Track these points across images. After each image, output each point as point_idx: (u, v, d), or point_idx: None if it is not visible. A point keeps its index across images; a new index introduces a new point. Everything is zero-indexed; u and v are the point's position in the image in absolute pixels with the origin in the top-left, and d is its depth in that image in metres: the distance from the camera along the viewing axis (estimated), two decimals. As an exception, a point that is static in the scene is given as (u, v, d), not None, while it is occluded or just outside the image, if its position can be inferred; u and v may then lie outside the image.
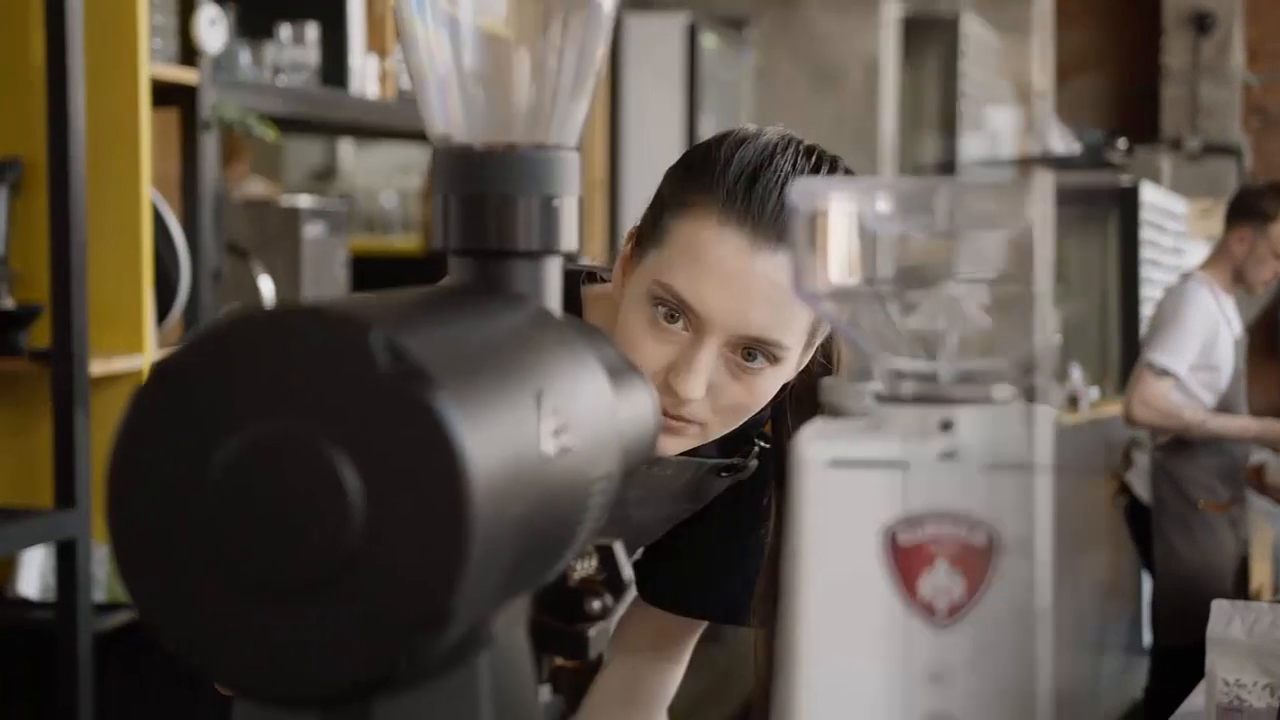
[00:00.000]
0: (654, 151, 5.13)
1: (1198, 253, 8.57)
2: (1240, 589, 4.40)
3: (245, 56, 3.04)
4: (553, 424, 0.72)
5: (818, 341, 1.33)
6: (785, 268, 1.22)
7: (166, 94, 2.69)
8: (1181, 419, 4.32)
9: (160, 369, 0.65)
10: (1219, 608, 2.00)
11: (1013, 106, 5.34)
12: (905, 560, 0.71)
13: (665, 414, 1.26)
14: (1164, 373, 4.26)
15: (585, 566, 0.93)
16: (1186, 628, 4.41)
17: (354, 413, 0.63)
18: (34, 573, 2.60)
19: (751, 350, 1.25)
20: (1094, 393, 6.36)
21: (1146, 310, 7.28)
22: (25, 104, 2.48)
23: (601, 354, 0.87)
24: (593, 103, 0.89)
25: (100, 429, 2.44)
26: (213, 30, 2.71)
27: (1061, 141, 5.79)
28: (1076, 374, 6.46)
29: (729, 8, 4.58)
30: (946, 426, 0.72)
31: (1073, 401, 6.02)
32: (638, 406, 0.89)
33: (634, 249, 1.30)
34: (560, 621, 0.88)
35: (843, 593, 0.71)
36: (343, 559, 0.63)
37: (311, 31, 3.12)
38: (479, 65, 0.85)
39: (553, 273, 0.85)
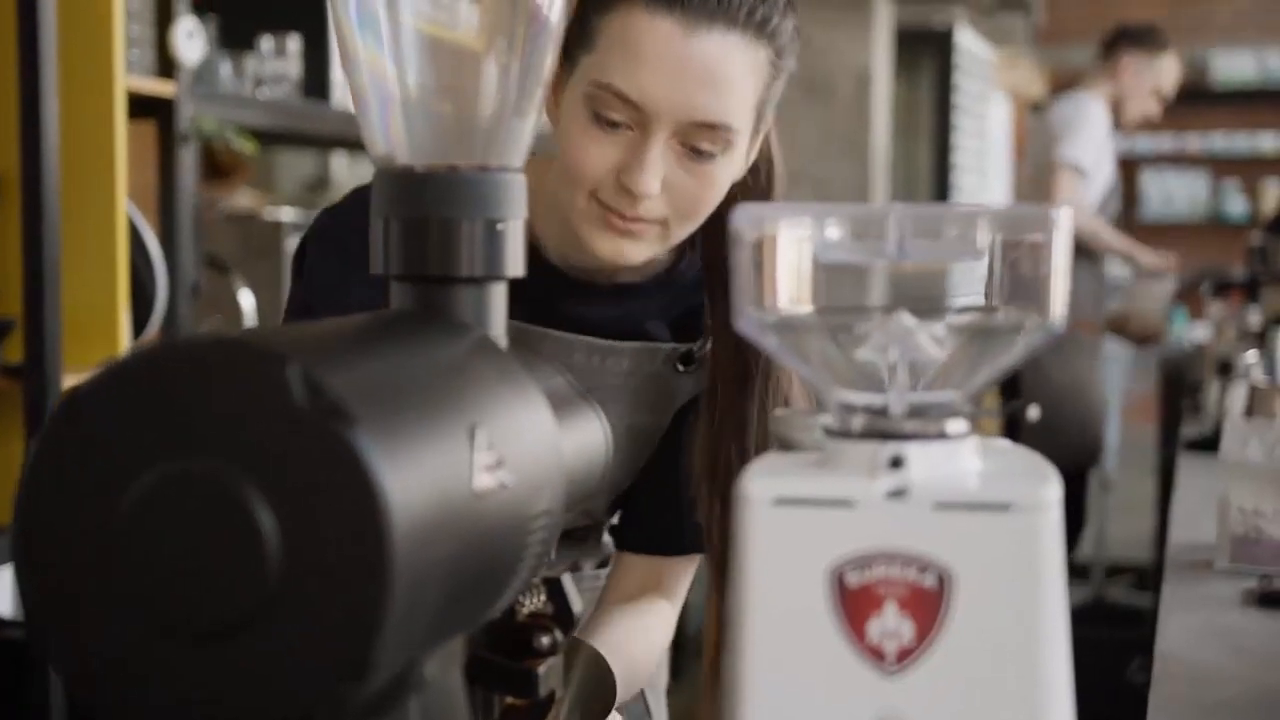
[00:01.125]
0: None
1: (1001, 103, 8.74)
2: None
3: (226, 68, 3.01)
4: (487, 459, 0.69)
5: (764, 128, 1.31)
6: (723, 46, 1.21)
7: (144, 106, 2.66)
8: (1095, 226, 4.40)
9: (72, 398, 0.62)
10: (1233, 428, 1.89)
11: None
12: (853, 602, 0.68)
13: (622, 216, 1.24)
14: (1078, 169, 4.33)
15: (533, 601, 0.90)
16: (1054, 453, 4.48)
17: (270, 449, 0.60)
18: (7, 590, 2.57)
19: (699, 143, 1.23)
20: None
21: (958, 157, 7.43)
22: (-2, 115, 2.46)
23: (548, 383, 0.84)
24: (539, 121, 0.86)
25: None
26: (191, 42, 2.68)
27: None
28: None
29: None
30: (896, 463, 0.69)
31: None
32: (585, 435, 0.87)
33: (561, 64, 1.27)
34: (508, 659, 0.85)
35: (788, 635, 0.69)
36: (258, 602, 0.60)
37: (293, 43, 3.09)
38: (421, 85, 0.82)
39: (497, 298, 0.82)
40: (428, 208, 0.80)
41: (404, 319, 0.77)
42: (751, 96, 1.24)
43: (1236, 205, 10.15)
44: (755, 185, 1.34)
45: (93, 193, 2.50)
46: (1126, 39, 4.53)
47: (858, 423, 0.71)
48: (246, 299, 3.01)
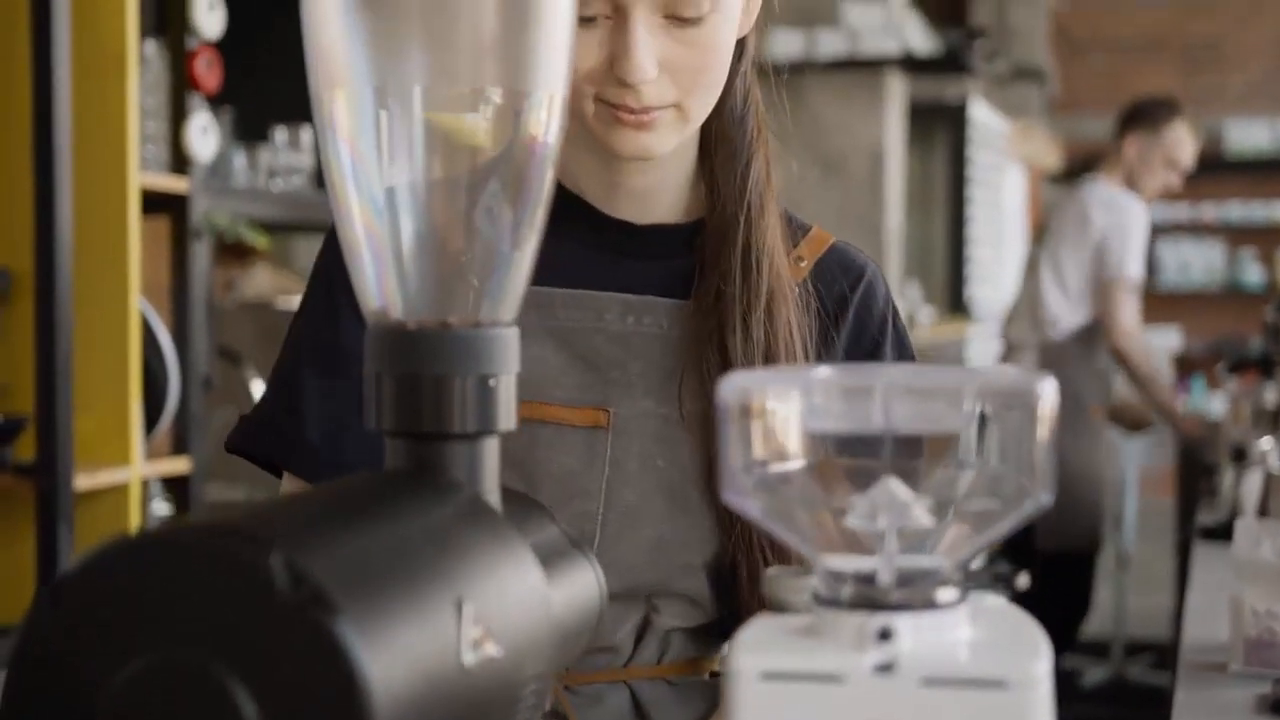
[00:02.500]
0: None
1: (1015, 174, 8.78)
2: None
3: (240, 160, 3.03)
4: (475, 633, 0.69)
5: None
6: None
7: (157, 202, 2.68)
8: (1149, 365, 4.42)
9: (56, 586, 0.62)
10: (1244, 526, 1.86)
11: (869, 3, 5.34)
12: (841, 780, 0.67)
13: (631, 111, 1.17)
14: (1137, 285, 4.36)
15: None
16: (1066, 533, 4.52)
17: (253, 639, 0.60)
18: None
19: (683, 10, 1.15)
20: (930, 313, 6.40)
21: (973, 230, 7.45)
22: (12, 213, 2.47)
23: (539, 537, 0.84)
24: (530, 273, 0.86)
25: (85, 545, 2.41)
26: (204, 138, 2.70)
27: (920, 39, 5.81)
28: (915, 292, 6.47)
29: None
30: (885, 635, 0.69)
31: (910, 322, 6.07)
32: (577, 588, 0.86)
33: None
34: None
35: (777, 810, 0.68)
36: (241, 792, 0.60)
37: (306, 135, 3.12)
38: (415, 239, 0.82)
39: (490, 454, 0.82)
40: (420, 364, 0.81)
41: (393, 482, 0.77)
42: None
43: (1253, 274, 10.15)
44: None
45: (106, 290, 2.51)
46: (1129, 118, 4.57)
47: (846, 591, 0.71)
48: (259, 389, 3.02)
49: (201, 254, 2.73)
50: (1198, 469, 4.58)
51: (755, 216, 1.26)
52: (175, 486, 2.79)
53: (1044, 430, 0.70)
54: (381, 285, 0.83)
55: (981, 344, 7.60)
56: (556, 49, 0.82)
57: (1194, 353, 10.22)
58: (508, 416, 0.83)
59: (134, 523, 2.55)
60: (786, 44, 5.39)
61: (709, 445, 1.22)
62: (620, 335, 1.25)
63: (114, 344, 2.51)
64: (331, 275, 1.27)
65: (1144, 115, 4.51)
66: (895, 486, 0.71)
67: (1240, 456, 3.35)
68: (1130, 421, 4.86)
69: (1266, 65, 10.08)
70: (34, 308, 2.41)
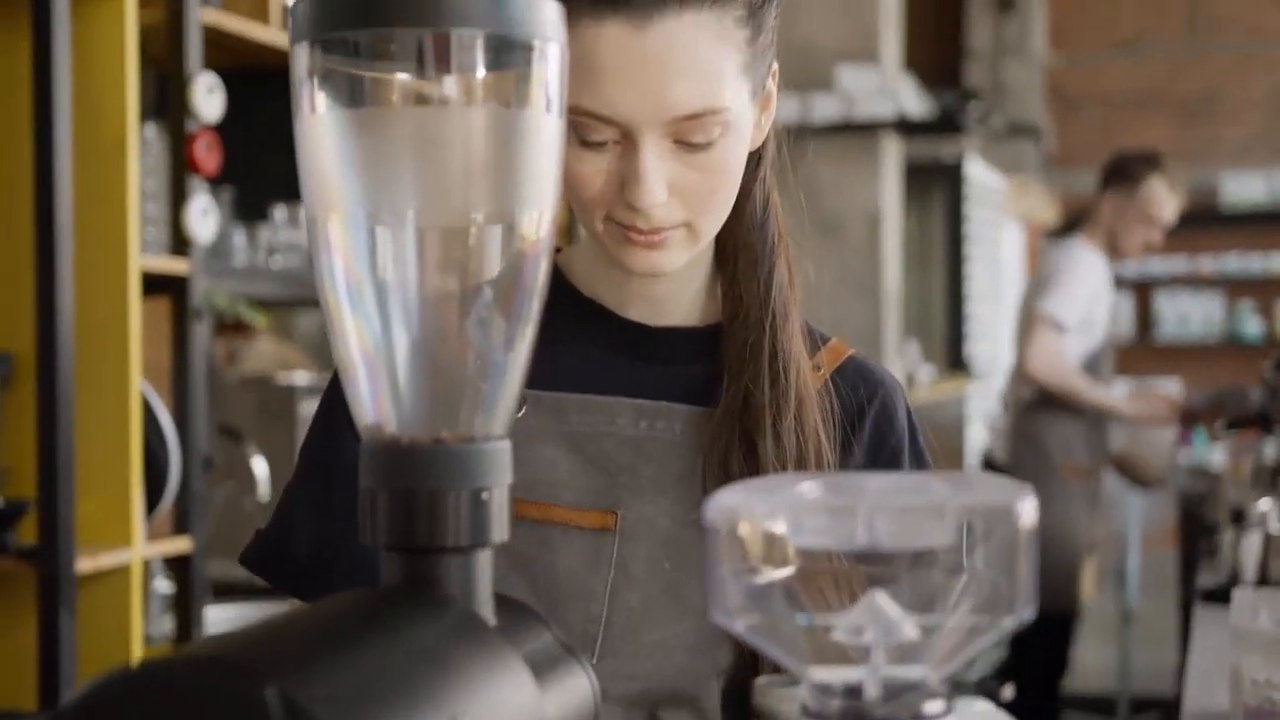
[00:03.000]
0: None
1: (1013, 230, 8.81)
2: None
3: (240, 237, 3.06)
4: (468, 752, 0.70)
5: (770, 84, 1.24)
6: (679, 31, 1.13)
7: (158, 282, 2.71)
8: (1071, 382, 4.40)
9: (56, 718, 0.63)
10: (1242, 596, 1.86)
11: (864, 68, 5.38)
12: None
13: (640, 232, 1.17)
14: (1057, 325, 4.34)
15: None
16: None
17: (249, 772, 0.61)
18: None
19: (692, 136, 1.14)
20: (930, 371, 6.41)
21: (971, 287, 7.47)
22: (14, 297, 2.50)
23: (533, 646, 0.85)
24: (523, 385, 0.88)
25: (86, 628, 2.42)
26: (204, 220, 2.73)
27: (915, 102, 5.84)
28: (914, 351, 6.49)
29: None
30: (872, 750, 0.70)
31: (910, 381, 6.07)
32: (571, 697, 0.87)
33: None
34: None
35: None
36: None
37: (305, 212, 3.14)
38: (407, 357, 0.84)
39: (483, 565, 0.84)
40: (414, 480, 0.82)
41: (387, 599, 0.78)
42: (732, 66, 1.16)
43: (1252, 326, 10.18)
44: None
45: (107, 372, 2.53)
46: (1106, 176, 4.60)
47: (834, 705, 0.72)
48: (260, 466, 3.03)
49: (202, 334, 2.75)
50: (1198, 526, 4.58)
51: (780, 322, 1.26)
52: (177, 565, 2.80)
53: (1025, 545, 0.71)
54: (375, 401, 0.85)
55: (980, 401, 7.62)
56: (545, 169, 0.84)
57: (1194, 405, 10.23)
58: (500, 528, 0.84)
59: (135, 605, 2.56)
60: (782, 109, 5.41)
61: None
62: (632, 439, 1.26)
63: (115, 426, 2.53)
64: (333, 398, 1.29)
65: (1119, 172, 4.54)
66: (881, 600, 0.72)
67: (1239, 518, 3.36)
68: (1134, 474, 4.86)
69: (1261, 118, 10.14)
70: (35, 391, 2.43)
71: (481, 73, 0.81)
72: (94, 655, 2.49)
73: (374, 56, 0.82)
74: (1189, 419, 4.86)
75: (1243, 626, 1.89)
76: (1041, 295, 4.42)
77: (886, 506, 0.72)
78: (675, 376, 1.29)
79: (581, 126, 1.15)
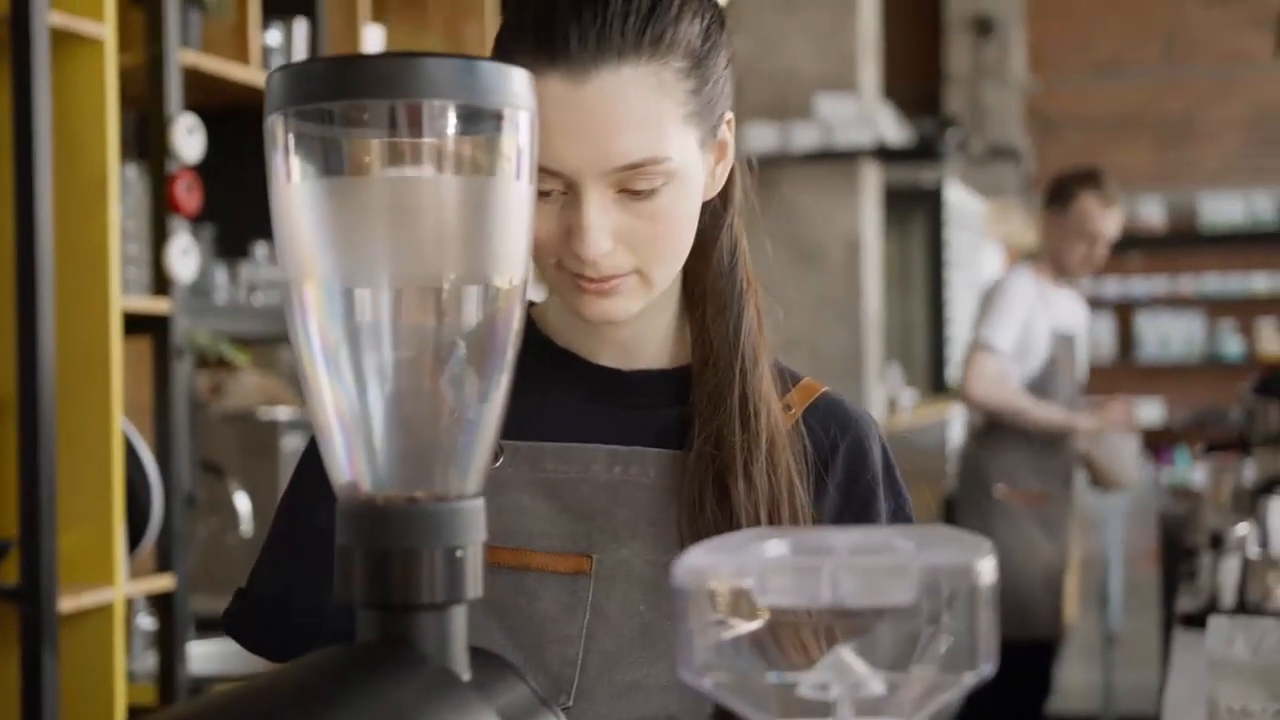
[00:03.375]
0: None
1: (993, 253, 8.86)
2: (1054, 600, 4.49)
3: (221, 275, 3.07)
4: (443, 811, 0.72)
5: (720, 134, 1.24)
6: (617, 83, 1.14)
7: (139, 322, 2.72)
8: (1014, 402, 4.42)
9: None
10: (1217, 625, 1.86)
11: (843, 96, 5.41)
12: None
13: (590, 280, 1.18)
14: (991, 349, 4.37)
15: None
16: (1006, 629, 4.41)
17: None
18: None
19: (635, 185, 1.15)
20: (912, 395, 6.45)
21: (952, 310, 7.50)
22: (-5, 338, 2.51)
23: (507, 699, 0.87)
24: (498, 439, 0.90)
25: (69, 668, 2.42)
26: (185, 259, 2.74)
27: (893, 130, 5.87)
28: (896, 375, 6.51)
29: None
30: (838, 810, 0.71)
31: (892, 405, 6.08)
32: (548, 750, 0.89)
33: None
34: None
35: None
36: None
37: (286, 249, 3.15)
38: (381, 419, 0.86)
39: (458, 621, 0.85)
40: (389, 539, 0.84)
41: (363, 658, 0.80)
42: (673, 117, 1.17)
43: (1232, 345, 10.24)
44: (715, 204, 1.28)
45: (89, 412, 2.54)
46: (1046, 198, 4.63)
47: (802, 761, 0.74)
48: (242, 502, 3.04)
49: (183, 373, 2.76)
50: (1179, 547, 4.59)
51: (749, 366, 1.27)
52: (159, 602, 2.81)
53: (985, 602, 0.73)
54: (351, 461, 0.86)
55: (962, 422, 7.64)
56: (516, 233, 0.86)
57: (1176, 424, 10.29)
58: (475, 584, 0.86)
59: (118, 643, 2.56)
60: (761, 137, 5.47)
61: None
62: (608, 484, 1.27)
63: (97, 465, 2.54)
64: (309, 462, 1.30)
65: (1054, 193, 4.55)
66: (847, 656, 0.74)
67: (1217, 542, 3.38)
68: (1097, 478, 4.84)
69: (1239, 140, 10.21)
70: (17, 431, 2.44)
71: (453, 142, 0.83)
72: (77, 694, 2.50)
73: (348, 125, 0.84)
74: (1157, 435, 4.87)
75: (1218, 655, 1.91)
76: (978, 322, 4.47)
77: (850, 566, 0.74)
78: (649, 420, 1.30)
79: None
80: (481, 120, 0.84)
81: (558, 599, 1.26)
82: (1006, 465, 4.45)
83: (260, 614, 1.30)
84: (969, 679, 0.74)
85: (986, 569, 0.73)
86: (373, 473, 0.86)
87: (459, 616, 0.85)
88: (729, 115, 1.26)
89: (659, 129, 1.16)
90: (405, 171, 0.86)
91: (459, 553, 0.84)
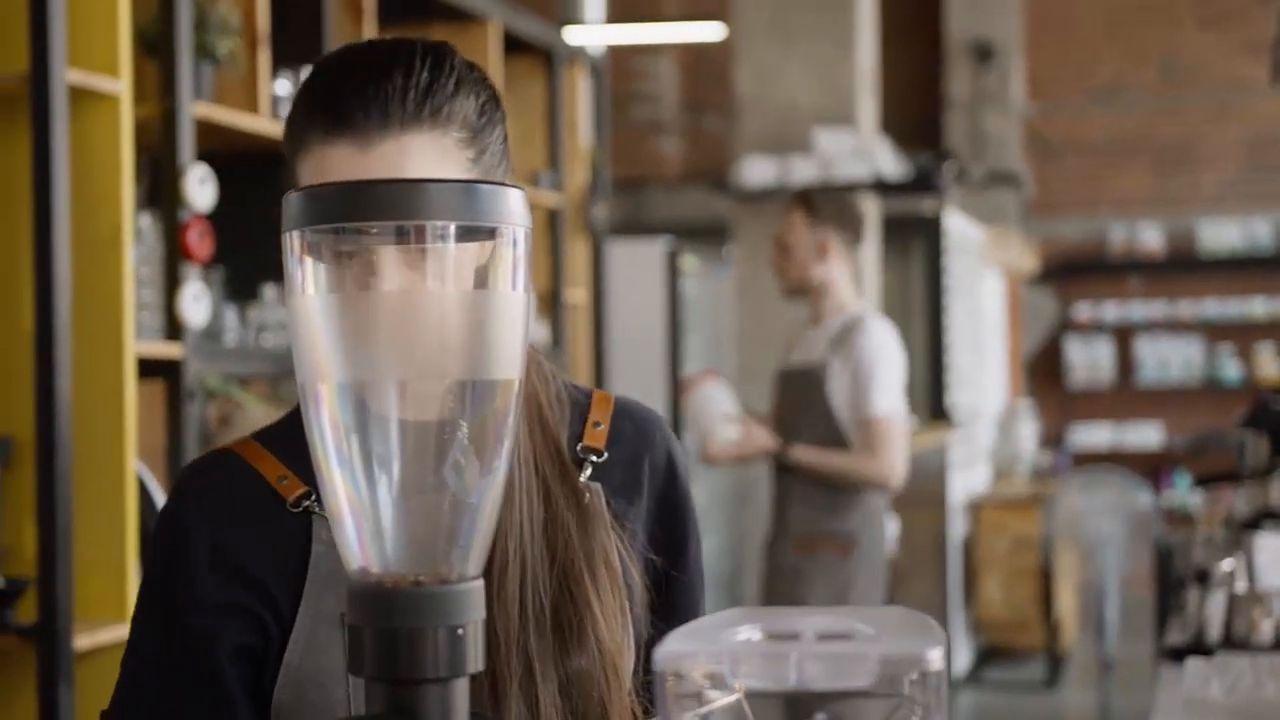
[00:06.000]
0: (638, 372, 5.25)
1: (993, 279, 8.91)
2: None
3: (232, 316, 3.15)
4: None
5: None
6: (401, 149, 1.22)
7: (152, 367, 2.80)
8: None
9: None
10: (1195, 666, 1.92)
11: (841, 131, 5.42)
12: None
13: None
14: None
15: None
16: None
17: None
18: None
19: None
20: (912, 422, 6.51)
21: (952, 338, 7.54)
22: (13, 383, 2.59)
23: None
24: (496, 525, 0.97)
25: (84, 705, 2.50)
26: (197, 305, 2.82)
27: (891, 164, 5.86)
28: None
29: (710, 225, 4.72)
30: None
31: None
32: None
33: None
34: None
35: None
36: None
37: (295, 290, 3.24)
38: (390, 510, 0.94)
39: (460, 693, 0.93)
40: (396, 619, 0.92)
41: (374, 728, 0.88)
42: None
43: (1231, 369, 10.31)
44: None
45: (104, 454, 2.62)
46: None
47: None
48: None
49: (194, 415, 2.84)
50: (1174, 573, 4.65)
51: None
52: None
53: (935, 685, 0.81)
54: (361, 547, 0.94)
55: (961, 449, 7.72)
56: (514, 338, 0.94)
57: (1175, 448, 10.36)
58: (475, 659, 0.94)
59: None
60: (761, 171, 5.54)
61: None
62: None
63: (112, 506, 2.62)
64: (168, 567, 1.31)
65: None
66: (816, 726, 0.82)
67: (1203, 577, 3.43)
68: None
69: (1237, 165, 10.29)
70: (35, 473, 2.51)
71: (455, 256, 0.91)
72: (92, 729, 2.57)
73: (359, 244, 0.92)
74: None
75: (1195, 696, 1.97)
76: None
77: (815, 654, 0.82)
78: None
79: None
80: (480, 237, 0.92)
81: None
82: (816, 517, 4.05)
83: None
84: (921, 754, 0.82)
85: (937, 656, 0.80)
86: (381, 558, 0.94)
87: (461, 689, 0.93)
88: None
89: None
90: (411, 284, 0.94)
91: (460, 630, 0.92)
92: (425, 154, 1.25)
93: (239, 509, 1.31)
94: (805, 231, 4.06)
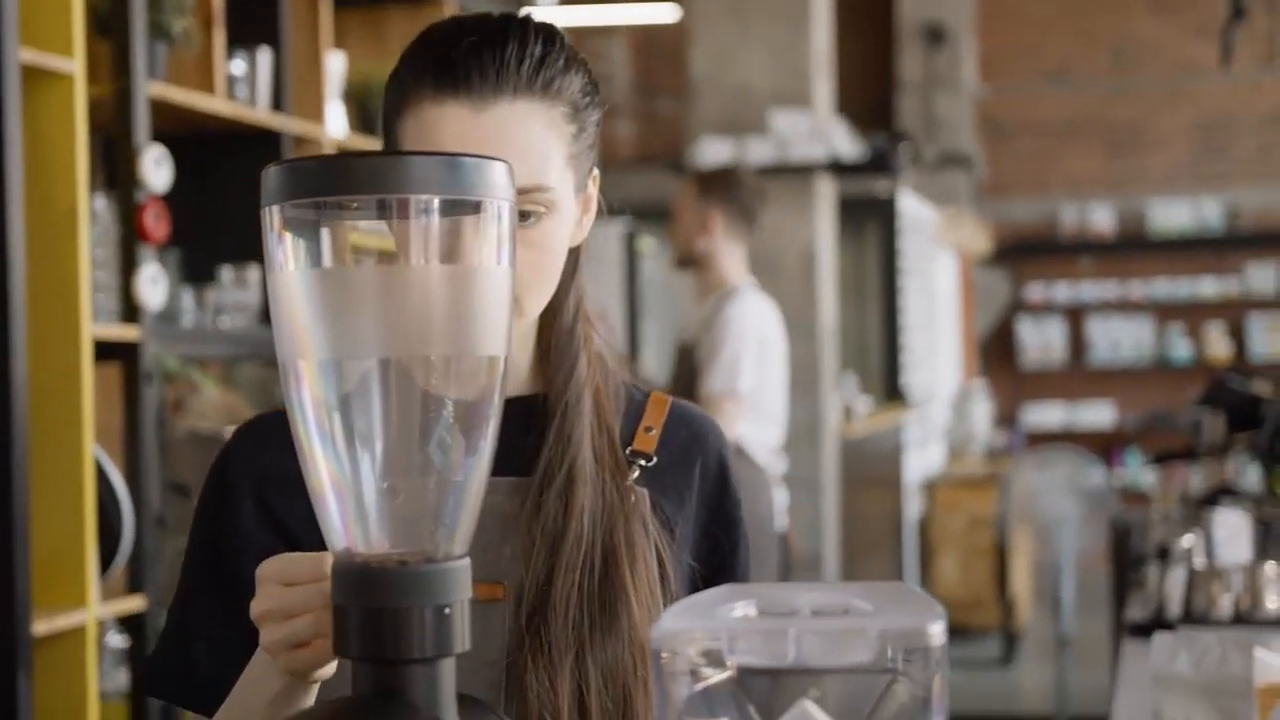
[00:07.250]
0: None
1: (947, 260, 8.96)
2: None
3: (189, 299, 3.12)
4: None
5: (591, 189, 1.33)
6: (512, 114, 1.23)
7: (109, 349, 2.76)
8: None
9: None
10: (1161, 641, 1.91)
11: (797, 112, 5.42)
12: None
13: None
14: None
15: None
16: None
17: None
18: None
19: (520, 207, 1.20)
20: (867, 402, 6.52)
21: (906, 318, 7.59)
22: (-33, 368, 2.55)
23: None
24: (479, 506, 0.96)
25: (43, 691, 2.47)
26: (153, 287, 2.79)
27: (847, 145, 5.88)
28: (852, 383, 6.59)
29: (666, 207, 4.71)
30: None
31: (848, 413, 6.11)
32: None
33: None
34: None
35: None
36: None
37: (253, 273, 3.21)
38: (373, 489, 0.92)
39: (447, 673, 0.92)
40: (382, 598, 0.90)
41: (357, 711, 0.86)
42: (558, 153, 1.27)
43: (1181, 349, 10.38)
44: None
45: (61, 439, 2.58)
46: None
47: (767, 806, 0.80)
48: (211, 523, 3.08)
49: (152, 397, 2.81)
50: (1129, 551, 4.66)
51: (573, 403, 1.32)
52: (131, 621, 2.85)
53: (937, 660, 0.80)
54: (345, 526, 0.93)
55: (917, 429, 7.74)
56: (497, 313, 0.93)
57: (1126, 427, 10.44)
58: (462, 639, 0.92)
59: (91, 664, 2.61)
60: (717, 151, 5.53)
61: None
62: (507, 514, 1.30)
63: (69, 490, 2.58)
64: (208, 510, 1.33)
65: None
66: (810, 709, 0.81)
67: (1164, 553, 3.45)
68: None
69: (1186, 148, 10.36)
70: (-9, 459, 2.48)
71: (438, 231, 0.90)
72: (51, 715, 2.54)
73: (339, 218, 0.90)
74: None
75: (1162, 670, 1.97)
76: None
77: (814, 629, 0.80)
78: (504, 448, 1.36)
79: None
80: (464, 211, 0.91)
81: (476, 626, 1.30)
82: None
83: (181, 666, 1.30)
84: (918, 731, 0.81)
85: (937, 631, 0.79)
86: (365, 538, 0.92)
87: (447, 669, 0.92)
88: (596, 173, 1.34)
89: (546, 160, 1.26)
90: (392, 261, 0.93)
91: (447, 610, 0.91)
92: (536, 120, 1.25)
93: (279, 473, 1.28)
94: (691, 205, 4.13)
